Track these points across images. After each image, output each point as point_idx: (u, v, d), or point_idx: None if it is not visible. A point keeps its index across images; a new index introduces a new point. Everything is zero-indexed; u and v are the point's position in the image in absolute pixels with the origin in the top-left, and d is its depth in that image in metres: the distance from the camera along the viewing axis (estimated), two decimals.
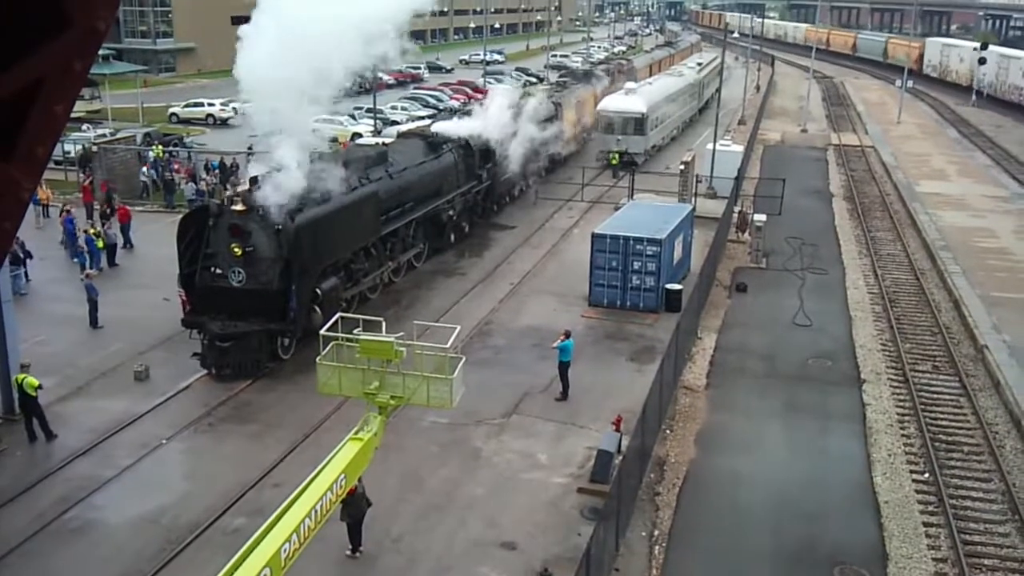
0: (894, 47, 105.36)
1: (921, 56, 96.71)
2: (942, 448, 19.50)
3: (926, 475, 18.42)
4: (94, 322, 25.15)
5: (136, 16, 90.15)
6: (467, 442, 19.20)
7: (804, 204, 41.14)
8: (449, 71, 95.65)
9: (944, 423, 20.74)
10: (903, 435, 20.10)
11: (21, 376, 19.01)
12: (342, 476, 12.43)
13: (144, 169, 40.01)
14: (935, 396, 22.14)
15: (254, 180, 22.91)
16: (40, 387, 19.04)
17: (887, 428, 20.39)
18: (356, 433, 13.22)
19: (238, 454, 18.84)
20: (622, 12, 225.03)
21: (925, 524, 16.70)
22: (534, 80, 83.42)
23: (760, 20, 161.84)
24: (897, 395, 22.10)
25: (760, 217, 33.60)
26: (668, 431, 20.05)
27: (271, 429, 19.76)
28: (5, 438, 19.08)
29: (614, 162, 45.74)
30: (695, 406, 21.44)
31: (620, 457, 17.19)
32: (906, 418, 20.90)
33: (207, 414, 20.43)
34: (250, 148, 23.43)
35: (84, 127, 47.91)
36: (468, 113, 37.92)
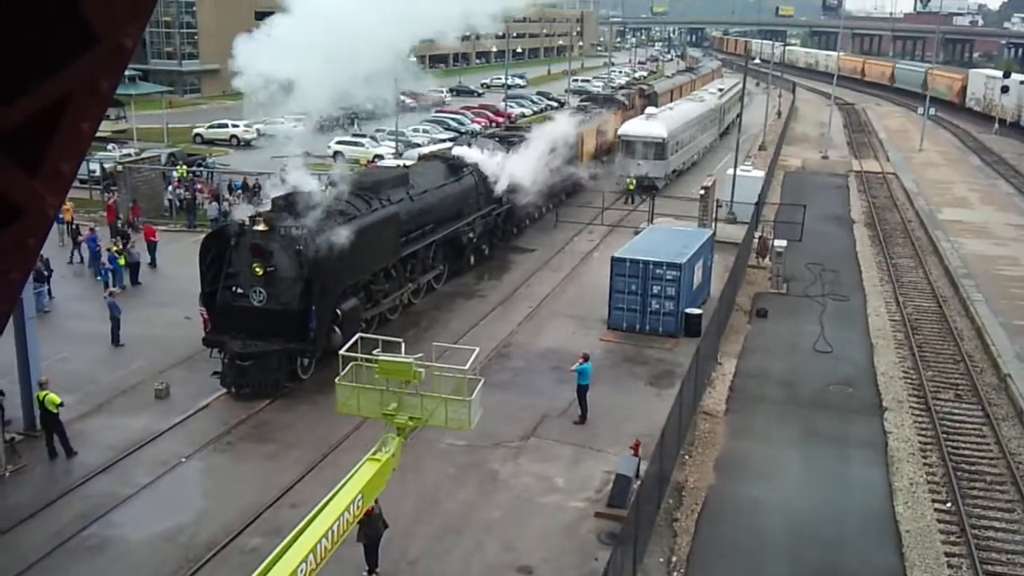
0: (934, 78, 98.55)
1: (964, 88, 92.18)
2: (964, 477, 19.27)
3: (948, 504, 18.20)
4: (116, 340, 25.32)
5: (163, 38, 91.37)
6: (484, 464, 19.14)
7: (825, 230, 40.98)
8: (480, 95, 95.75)
9: (967, 452, 20.50)
10: (925, 464, 19.88)
11: (43, 393, 19.14)
12: (359, 497, 12.42)
13: (171, 188, 40.43)
14: (957, 425, 21.90)
15: (276, 201, 23.08)
16: (61, 404, 19.16)
17: (909, 456, 20.17)
18: (374, 454, 13.23)
19: (256, 473, 18.86)
20: (643, 38, 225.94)
21: (947, 554, 16.48)
22: (555, 104, 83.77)
23: (788, 47, 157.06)
24: (919, 423, 21.88)
25: (780, 243, 33.48)
26: (687, 456, 19.93)
27: (289, 449, 19.78)
28: (26, 454, 19.19)
29: (631, 187, 45.78)
30: (714, 432, 21.30)
31: (638, 482, 17.08)
32: (928, 447, 20.68)
33: (226, 433, 20.49)
34: (283, 168, 23.63)
35: (110, 147, 48.50)
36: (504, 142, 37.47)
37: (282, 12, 18.99)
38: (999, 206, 48.18)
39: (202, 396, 22.09)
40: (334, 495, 12.24)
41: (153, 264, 32.72)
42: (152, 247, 32.88)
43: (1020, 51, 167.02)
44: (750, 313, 29.76)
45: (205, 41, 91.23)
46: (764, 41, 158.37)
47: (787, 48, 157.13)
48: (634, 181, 46.28)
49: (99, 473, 18.53)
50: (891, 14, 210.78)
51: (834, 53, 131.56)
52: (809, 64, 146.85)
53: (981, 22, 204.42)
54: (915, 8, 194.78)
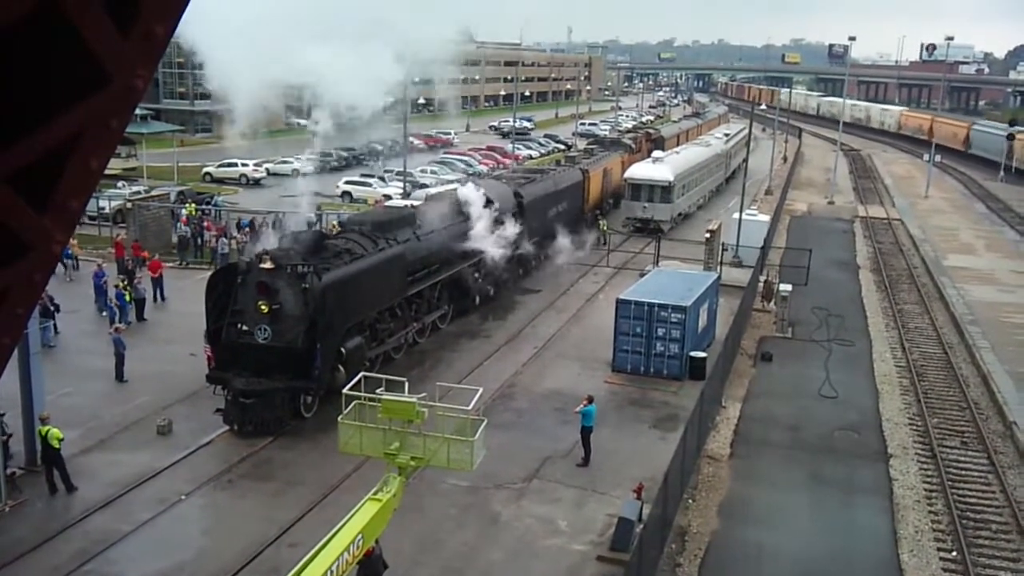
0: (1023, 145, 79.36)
1: None
2: (970, 526, 19.10)
3: (954, 553, 18.02)
4: (120, 375, 25.35)
5: (175, 78, 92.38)
6: (486, 506, 19.03)
7: (830, 275, 41.00)
8: (448, 145, 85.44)
9: (972, 500, 20.34)
10: (931, 511, 19.71)
11: (44, 428, 19.13)
12: (359, 537, 12.36)
13: (180, 224, 40.73)
14: (963, 472, 21.74)
15: (284, 239, 23.23)
16: (63, 439, 19.14)
17: (914, 504, 20.01)
18: (375, 494, 13.18)
19: (257, 511, 18.76)
20: (650, 83, 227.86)
21: None
22: (562, 147, 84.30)
23: (829, 98, 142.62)
24: (924, 470, 21.73)
25: (786, 287, 33.50)
26: (691, 500, 19.79)
27: (291, 487, 19.69)
28: (26, 489, 19.13)
29: (604, 230, 45.17)
30: (718, 476, 21.17)
31: (641, 526, 16.95)
32: (934, 494, 20.52)
33: (227, 470, 20.42)
34: (318, 214, 23.87)
35: (119, 184, 48.86)
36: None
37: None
38: (1005, 253, 48.19)
39: (204, 433, 22.05)
40: (334, 534, 12.18)
41: (162, 298, 32.97)
42: (158, 281, 33.11)
43: None
44: (755, 357, 29.70)
45: None
46: (796, 91, 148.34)
47: (829, 99, 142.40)
48: (606, 223, 46.38)
49: (99, 509, 18.45)
50: (896, 62, 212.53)
51: (895, 107, 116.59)
52: (858, 119, 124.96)
53: (987, 70, 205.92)
54: (921, 56, 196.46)
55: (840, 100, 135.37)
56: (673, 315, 26.52)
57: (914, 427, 24.33)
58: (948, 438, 23.72)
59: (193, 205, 43.54)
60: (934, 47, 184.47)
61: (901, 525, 19.06)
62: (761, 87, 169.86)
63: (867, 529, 19.05)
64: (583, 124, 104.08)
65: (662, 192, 47.54)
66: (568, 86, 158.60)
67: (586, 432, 21.16)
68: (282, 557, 16.36)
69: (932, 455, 22.44)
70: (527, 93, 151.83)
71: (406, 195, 50.39)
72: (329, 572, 11.42)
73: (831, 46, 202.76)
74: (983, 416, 25.14)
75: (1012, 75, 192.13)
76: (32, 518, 18.23)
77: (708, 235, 38.18)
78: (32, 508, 18.64)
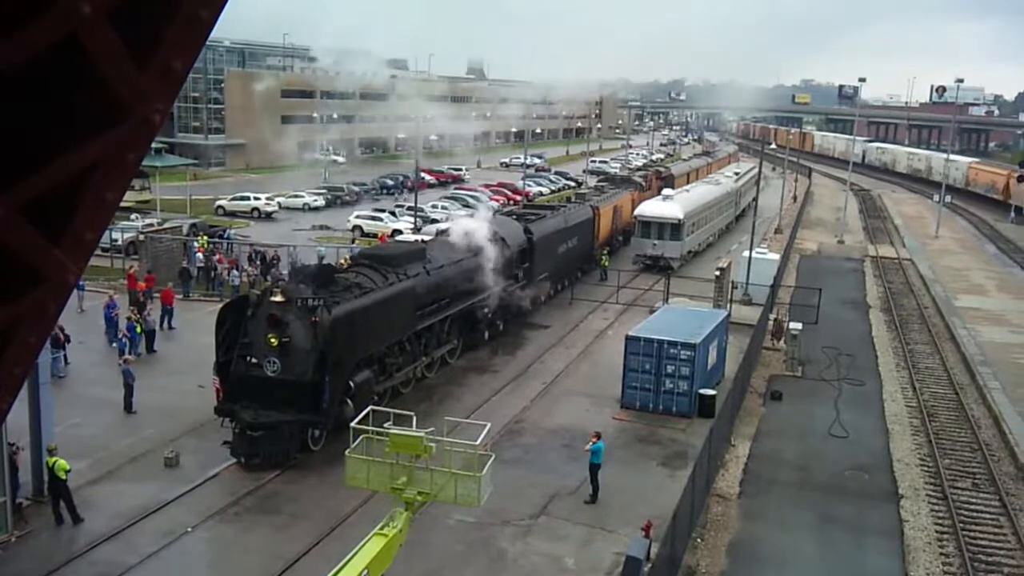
0: None
1: None
2: (982, 569, 18.87)
3: None
4: (129, 407, 25.38)
5: (190, 113, 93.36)
6: (493, 542, 18.90)
7: (841, 314, 40.88)
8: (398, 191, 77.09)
9: (984, 543, 20.10)
10: (942, 554, 19.49)
11: (52, 459, 19.13)
12: (365, 572, 12.29)
13: (199, 255, 41.08)
14: (975, 514, 21.51)
15: (294, 272, 23.33)
16: (69, 470, 19.13)
17: (926, 546, 19.79)
18: (381, 528, 13.13)
19: (263, 545, 18.68)
20: (661, 121, 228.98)
21: None
22: (572, 184, 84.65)
23: (878, 145, 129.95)
24: (936, 512, 21.51)
25: (796, 325, 33.41)
26: (699, 540, 19.61)
27: (297, 521, 19.62)
28: (32, 520, 19.11)
29: (604, 264, 46.15)
30: (727, 515, 20.99)
31: (649, 564, 16.80)
32: (945, 536, 20.30)
33: (234, 503, 20.36)
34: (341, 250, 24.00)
35: (133, 216, 49.21)
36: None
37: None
38: (1016, 294, 47.98)
39: (212, 465, 22.02)
40: (340, 569, 12.12)
41: (170, 326, 33.20)
42: (169, 310, 33.44)
43: None
44: (765, 395, 29.56)
45: (232, 117, 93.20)
46: (843, 136, 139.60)
47: (877, 146, 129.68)
48: (607, 257, 46.87)
49: (105, 541, 18.40)
50: (907, 103, 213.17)
51: (963, 159, 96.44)
52: (916, 169, 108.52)
53: (996, 112, 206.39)
54: (931, 98, 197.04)
55: (893, 147, 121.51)
56: (683, 352, 26.47)
57: (925, 468, 24.13)
58: (959, 479, 23.50)
59: (205, 237, 43.81)
60: (944, 89, 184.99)
61: (912, 567, 18.84)
62: (789, 129, 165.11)
63: (877, 571, 18.85)
64: (594, 161, 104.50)
65: (672, 229, 47.64)
66: (579, 124, 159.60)
67: (594, 469, 21.05)
68: None
69: (943, 496, 22.23)
70: (538, 130, 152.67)
71: (416, 230, 50.61)
72: None
73: (841, 87, 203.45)
74: (995, 458, 24.92)
75: (1022, 117, 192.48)
76: (38, 549, 18.19)
77: (718, 273, 38.18)
78: (38, 539, 18.60)
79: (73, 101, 1.91)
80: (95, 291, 35.78)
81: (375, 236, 51.78)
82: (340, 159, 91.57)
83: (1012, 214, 77.79)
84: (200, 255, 41.22)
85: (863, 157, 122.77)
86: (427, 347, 28.78)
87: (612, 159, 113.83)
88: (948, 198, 74.21)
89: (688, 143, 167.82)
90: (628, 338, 27.41)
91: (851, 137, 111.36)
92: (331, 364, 22.14)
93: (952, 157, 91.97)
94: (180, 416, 24.67)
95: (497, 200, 69.17)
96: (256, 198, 61.94)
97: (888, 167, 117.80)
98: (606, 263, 46.20)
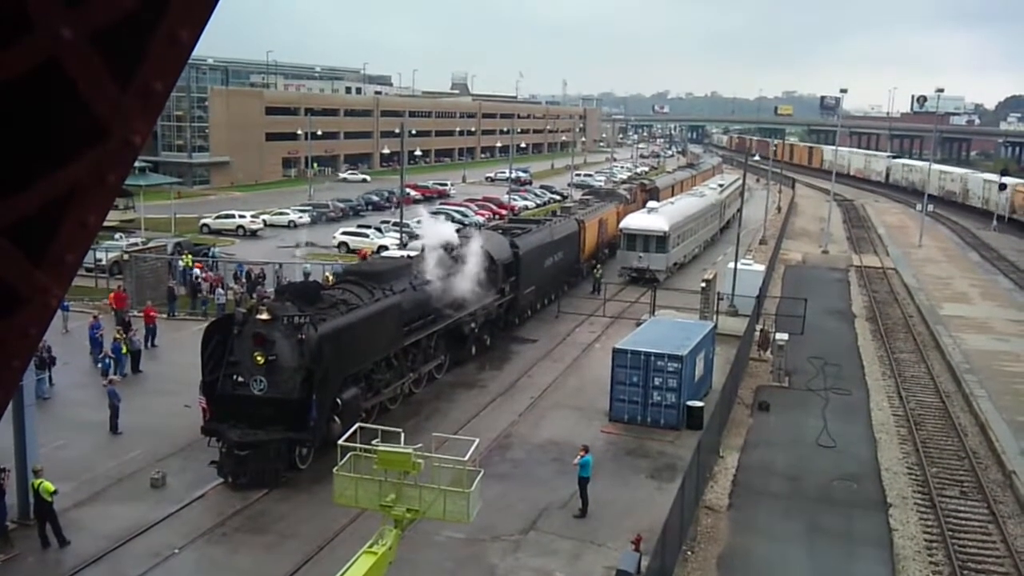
0: None
1: None
2: None
3: None
4: (114, 428, 25.19)
5: (173, 131, 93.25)
6: (483, 558, 18.82)
7: (826, 324, 41.03)
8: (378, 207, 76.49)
9: (973, 551, 20.14)
10: (931, 562, 19.52)
11: (37, 481, 18.97)
12: None
13: (185, 271, 41.05)
14: (963, 522, 21.57)
15: (280, 290, 23.26)
16: (55, 492, 18.97)
17: (915, 555, 19.82)
18: (371, 546, 13.06)
19: (251, 565, 18.54)
20: (645, 135, 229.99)
21: None
22: (557, 198, 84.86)
23: (903, 161, 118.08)
24: (924, 520, 21.56)
25: (782, 336, 33.51)
26: (689, 552, 19.59)
27: (285, 540, 19.49)
28: (18, 543, 18.92)
29: (597, 276, 46.58)
30: (717, 527, 20.98)
31: None
32: (934, 544, 20.34)
33: (221, 523, 20.22)
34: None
35: (117, 236, 49.02)
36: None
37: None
38: (1000, 302, 48.32)
39: (198, 486, 21.87)
40: None
41: (153, 344, 33.18)
42: (152, 330, 33.38)
43: (1016, 150, 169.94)
44: (752, 406, 29.61)
45: (216, 135, 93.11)
46: (860, 151, 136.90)
47: (903, 163, 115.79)
48: (600, 269, 47.24)
49: (91, 564, 18.22)
50: (888, 113, 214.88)
51: (1009, 180, 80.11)
52: (950, 191, 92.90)
53: (978, 121, 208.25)
54: (912, 108, 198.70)
55: (921, 164, 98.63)
56: (670, 364, 26.50)
57: (913, 476, 24.20)
58: (947, 487, 23.57)
59: (190, 256, 43.68)
60: (925, 99, 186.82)
61: None
62: (795, 144, 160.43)
63: None
64: (578, 175, 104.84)
65: (657, 242, 47.80)
66: (564, 138, 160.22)
67: (583, 482, 21.02)
68: None
69: (932, 505, 22.28)
70: (523, 144, 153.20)
71: (402, 246, 50.58)
72: None
73: (823, 98, 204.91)
74: (982, 465, 25.01)
75: (1003, 126, 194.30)
76: (25, 573, 18.01)
77: (704, 284, 38.29)
78: (24, 562, 18.42)
79: (52, 122, 1.90)
80: (80, 311, 35.58)
81: (357, 251, 51.74)
82: (367, 177, 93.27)
83: (994, 221, 78.38)
84: (198, 271, 41.29)
85: (886, 176, 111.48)
86: (414, 363, 28.72)
87: (597, 172, 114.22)
88: (931, 207, 74.51)
89: (672, 156, 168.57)
90: (615, 351, 27.43)
91: (873, 153, 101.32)
92: (318, 381, 22.06)
93: (989, 177, 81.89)
94: (166, 436, 24.51)
95: (482, 215, 69.28)
96: (241, 216, 61.85)
97: (916, 187, 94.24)
98: (599, 275, 46.30)
